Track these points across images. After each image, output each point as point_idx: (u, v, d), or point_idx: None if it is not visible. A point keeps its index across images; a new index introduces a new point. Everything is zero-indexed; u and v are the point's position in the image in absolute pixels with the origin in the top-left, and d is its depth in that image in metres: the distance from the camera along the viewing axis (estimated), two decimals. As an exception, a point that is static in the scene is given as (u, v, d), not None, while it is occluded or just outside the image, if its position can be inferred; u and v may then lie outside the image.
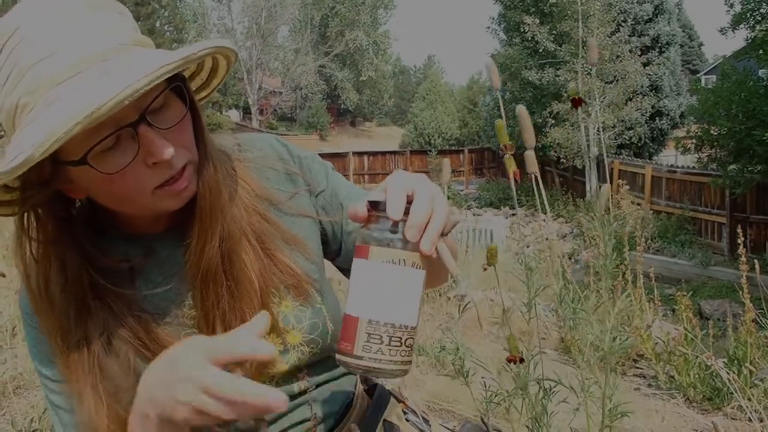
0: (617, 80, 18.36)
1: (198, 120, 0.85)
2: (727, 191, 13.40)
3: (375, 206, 0.72)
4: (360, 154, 27.40)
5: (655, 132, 20.55)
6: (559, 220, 18.31)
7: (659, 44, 20.65)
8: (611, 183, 16.82)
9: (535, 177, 1.16)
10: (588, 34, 17.79)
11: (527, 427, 1.35)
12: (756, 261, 3.88)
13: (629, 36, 19.02)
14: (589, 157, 18.74)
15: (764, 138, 11.02)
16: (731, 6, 13.34)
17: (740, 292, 3.47)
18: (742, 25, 13.12)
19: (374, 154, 27.79)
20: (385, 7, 44.41)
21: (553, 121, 18.50)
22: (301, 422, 0.95)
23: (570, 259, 11.12)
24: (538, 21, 19.04)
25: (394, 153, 28.62)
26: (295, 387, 0.95)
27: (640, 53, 19.09)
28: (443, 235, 0.73)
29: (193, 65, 0.87)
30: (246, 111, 40.40)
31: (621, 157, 19.02)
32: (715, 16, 19.07)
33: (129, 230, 0.90)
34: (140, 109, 0.75)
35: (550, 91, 18.99)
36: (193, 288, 0.87)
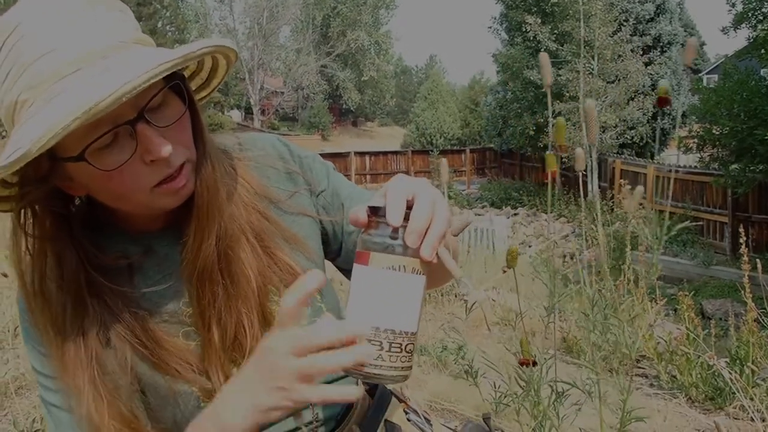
0: (619, 80, 18.34)
1: (197, 119, 0.85)
2: (729, 191, 13.38)
3: (375, 212, 0.71)
4: (362, 154, 27.38)
5: (656, 131, 20.52)
6: (561, 219, 18.29)
7: (661, 44, 20.63)
8: (613, 183, 16.83)
9: (586, 172, 1.14)
10: (590, 34, 17.78)
11: (532, 429, 1.35)
12: (758, 260, 3.87)
13: (631, 35, 19.00)
14: (591, 157, 18.72)
15: (766, 137, 11.01)
16: (733, 5, 13.33)
17: (742, 292, 3.46)
18: (743, 25, 13.10)
19: (376, 154, 27.76)
20: (386, 7, 44.42)
21: (554, 121, 18.49)
22: (304, 424, 0.95)
23: (572, 258, 11.10)
24: (539, 21, 19.03)
25: (395, 153, 28.58)
26: None
27: (641, 53, 19.08)
28: (452, 235, 0.73)
29: (193, 64, 0.87)
30: (248, 111, 40.42)
31: (623, 156, 19.00)
32: (716, 15, 19.10)
33: (127, 228, 0.90)
34: (138, 107, 0.75)
35: (552, 90, 18.96)
36: (189, 286, 0.87)
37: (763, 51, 12.32)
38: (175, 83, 0.79)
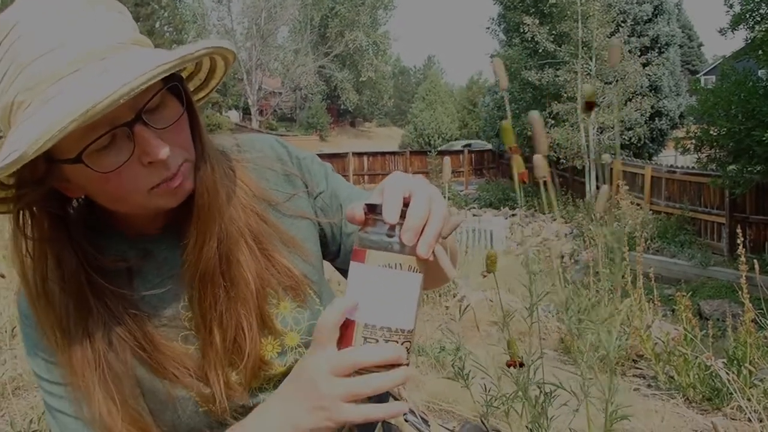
0: (617, 81, 18.37)
1: (195, 120, 0.84)
2: (727, 191, 13.39)
3: (372, 209, 0.71)
4: (360, 154, 27.39)
5: (654, 132, 20.56)
6: (559, 220, 18.30)
7: (659, 45, 20.67)
8: (611, 183, 16.86)
9: (544, 181, 1.15)
10: (588, 35, 17.81)
11: (527, 427, 1.35)
12: (755, 261, 3.88)
13: (629, 36, 19.05)
14: (589, 157, 18.74)
15: (763, 138, 11.02)
16: (731, 6, 13.34)
17: (740, 293, 3.47)
18: (741, 26, 13.11)
19: (374, 154, 27.78)
20: (384, 8, 44.44)
21: (552, 122, 18.50)
22: None
23: (570, 259, 11.11)
24: (537, 21, 19.05)
25: (393, 153, 28.60)
26: None
27: (639, 54, 19.11)
28: (442, 237, 0.73)
29: (191, 65, 0.87)
30: (246, 111, 40.43)
31: (621, 157, 19.03)
32: (714, 16, 19.12)
33: (126, 230, 0.89)
34: (136, 109, 0.74)
35: (550, 91, 18.99)
36: (190, 289, 0.87)
37: (760, 52, 12.33)
38: (173, 84, 0.79)
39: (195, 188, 0.83)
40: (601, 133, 18.68)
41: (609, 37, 18.06)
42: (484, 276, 1.15)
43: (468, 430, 1.14)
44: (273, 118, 42.36)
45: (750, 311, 3.40)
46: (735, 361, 3.27)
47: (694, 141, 14.15)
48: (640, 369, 3.96)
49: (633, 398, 3.26)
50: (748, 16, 12.83)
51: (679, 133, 18.17)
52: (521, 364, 1.25)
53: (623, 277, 4.00)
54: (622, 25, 18.84)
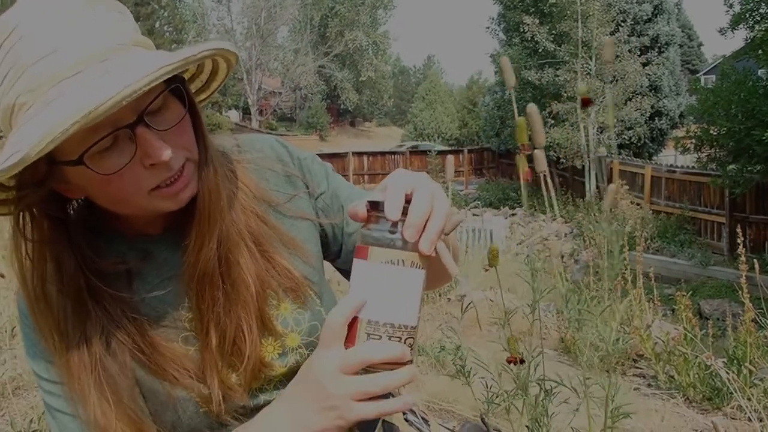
0: (617, 80, 18.37)
1: (198, 122, 0.84)
2: (727, 191, 13.40)
3: (375, 206, 0.71)
4: (360, 154, 27.40)
5: (654, 132, 20.56)
6: (559, 220, 18.30)
7: (658, 44, 20.65)
8: (611, 183, 16.85)
9: (544, 176, 1.16)
10: (587, 34, 17.80)
11: (527, 427, 1.35)
12: (755, 261, 3.88)
13: (628, 36, 19.04)
14: (589, 157, 18.74)
15: (763, 138, 11.02)
16: (730, 6, 13.34)
17: (740, 292, 3.47)
18: (741, 26, 13.12)
19: (374, 154, 27.79)
20: (384, 8, 44.44)
21: (552, 121, 18.51)
22: None
23: (570, 258, 11.11)
24: (537, 21, 19.05)
25: (393, 153, 28.60)
26: None
27: (639, 53, 19.11)
28: (444, 234, 0.73)
29: (193, 67, 0.87)
30: (245, 111, 40.43)
31: (621, 157, 19.02)
32: (714, 16, 19.10)
33: (126, 231, 0.89)
34: (138, 110, 0.74)
35: (550, 91, 19.00)
36: (189, 290, 0.87)
37: (760, 51, 12.34)
38: (176, 86, 0.79)
39: (197, 190, 0.82)
40: (601, 132, 18.67)
41: (609, 37, 18.06)
42: (486, 270, 1.15)
43: (468, 430, 1.14)
44: (273, 118, 42.36)
45: (750, 311, 3.40)
46: (735, 361, 3.27)
47: (694, 141, 14.16)
48: (640, 368, 3.96)
49: (633, 398, 3.26)
50: (747, 15, 12.83)
51: (679, 132, 18.16)
52: (521, 361, 1.26)
53: (623, 276, 4.00)
54: (622, 24, 18.83)
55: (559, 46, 18.83)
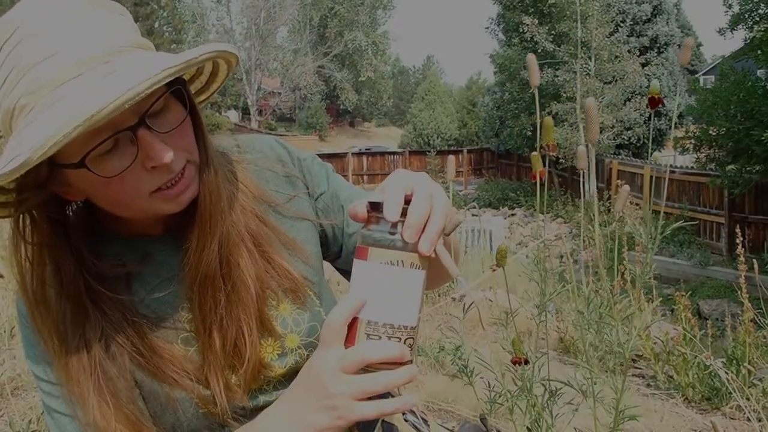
0: (616, 80, 18.37)
1: (198, 123, 0.84)
2: (726, 191, 13.40)
3: (375, 207, 0.72)
4: (359, 154, 27.40)
5: (653, 132, 20.57)
6: (558, 220, 18.31)
7: (657, 44, 20.68)
8: (610, 183, 16.87)
9: (584, 173, 1.15)
10: (587, 35, 17.80)
11: (528, 428, 1.35)
12: (754, 261, 3.88)
13: (628, 36, 19.04)
14: (588, 157, 18.73)
15: (762, 138, 11.02)
16: (730, 7, 13.36)
17: (739, 292, 3.48)
18: (740, 26, 13.13)
19: (373, 154, 27.80)
20: (384, 8, 44.45)
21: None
22: None
23: (569, 258, 11.12)
24: (537, 21, 19.05)
25: (393, 153, 28.61)
26: None
27: (638, 53, 19.12)
28: (444, 234, 0.73)
29: (193, 68, 0.87)
30: (245, 111, 40.41)
31: (620, 157, 19.03)
32: (713, 16, 19.13)
33: (126, 232, 0.89)
34: (139, 113, 0.74)
35: (549, 91, 18.99)
36: (190, 292, 0.86)
37: (759, 52, 12.34)
38: (177, 88, 0.78)
39: (198, 193, 0.82)
40: (600, 132, 18.66)
41: (608, 37, 18.06)
42: (494, 270, 1.15)
43: (467, 430, 1.14)
44: (272, 118, 42.35)
45: (749, 311, 3.40)
46: (734, 361, 3.28)
47: (693, 141, 14.16)
48: (640, 369, 3.96)
49: (633, 398, 3.26)
50: (746, 16, 12.84)
51: (678, 132, 18.16)
52: (526, 362, 1.26)
53: (622, 276, 4.00)
54: (621, 25, 18.83)
55: (559, 47, 18.83)
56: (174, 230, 0.87)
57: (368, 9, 42.50)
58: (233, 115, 39.09)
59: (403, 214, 0.70)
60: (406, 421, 1.07)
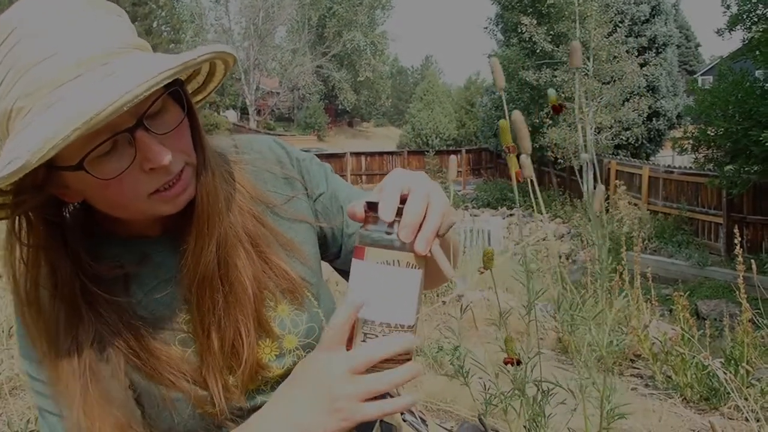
0: (614, 81, 18.38)
1: (196, 124, 0.84)
2: (724, 191, 13.41)
3: (372, 207, 0.72)
4: (357, 154, 27.40)
5: (652, 133, 20.59)
6: (557, 220, 18.32)
7: (656, 45, 20.68)
8: (608, 183, 16.88)
9: (531, 181, 1.17)
10: (585, 35, 17.81)
11: (525, 427, 1.35)
12: (753, 261, 3.89)
13: (626, 37, 19.04)
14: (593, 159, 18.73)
15: (761, 138, 11.03)
16: (728, 7, 13.35)
17: (737, 293, 3.48)
18: (738, 27, 13.13)
19: (372, 154, 27.79)
20: (382, 8, 44.43)
21: (550, 122, 18.52)
22: None
23: (567, 259, 11.13)
24: (535, 22, 19.05)
25: (391, 153, 28.60)
26: None
27: (637, 54, 19.12)
28: (439, 235, 0.73)
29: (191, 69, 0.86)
30: (243, 111, 40.38)
31: (618, 157, 19.04)
32: (712, 17, 19.12)
33: (124, 234, 0.89)
34: (137, 114, 0.74)
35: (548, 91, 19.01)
36: (188, 294, 0.86)
37: (757, 52, 12.35)
38: (174, 89, 0.78)
39: (195, 194, 0.82)
40: (598, 132, 18.68)
41: (607, 38, 18.07)
42: (481, 272, 1.15)
43: (466, 430, 1.14)
44: (271, 118, 42.32)
45: (747, 311, 3.41)
46: (732, 361, 3.28)
47: (691, 141, 14.17)
48: (638, 369, 3.97)
49: (630, 398, 3.26)
50: (745, 16, 12.84)
51: (677, 133, 18.16)
52: (518, 362, 1.26)
53: (620, 276, 4.01)
54: (620, 25, 18.83)
55: (557, 47, 18.83)
56: (172, 231, 0.87)
57: (367, 9, 42.48)
58: (232, 115, 39.06)
59: (399, 213, 0.70)
60: (404, 421, 1.07)
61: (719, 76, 13.46)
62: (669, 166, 17.53)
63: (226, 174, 0.91)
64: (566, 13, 18.09)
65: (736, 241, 3.77)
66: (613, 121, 18.29)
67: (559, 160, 19.11)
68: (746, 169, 12.20)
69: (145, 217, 0.84)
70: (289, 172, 0.99)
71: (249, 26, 38.24)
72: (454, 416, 2.99)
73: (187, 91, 0.83)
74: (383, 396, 0.99)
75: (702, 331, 3.73)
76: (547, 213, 18.82)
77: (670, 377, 3.56)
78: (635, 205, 15.58)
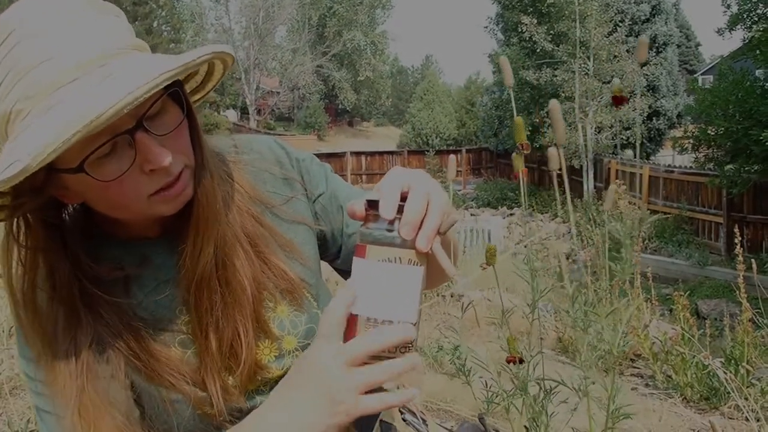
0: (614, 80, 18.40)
1: (194, 125, 0.83)
2: (724, 191, 13.41)
3: (372, 205, 0.72)
4: (358, 154, 27.42)
5: (652, 132, 20.60)
6: (557, 220, 18.33)
7: (656, 44, 20.69)
8: (608, 183, 16.87)
9: (558, 175, 1.16)
10: (585, 34, 17.81)
11: (525, 427, 1.35)
12: (753, 261, 3.89)
13: (626, 36, 19.05)
14: (587, 157, 18.75)
15: (761, 138, 11.03)
16: (728, 7, 13.36)
17: (737, 292, 3.48)
18: (739, 26, 13.13)
19: (372, 154, 27.81)
20: (382, 7, 44.41)
21: (550, 121, 18.54)
22: None
23: (567, 258, 11.13)
24: (535, 21, 19.06)
25: (391, 153, 28.62)
26: None
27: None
28: (440, 233, 0.73)
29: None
30: (243, 111, 40.37)
31: (618, 157, 19.04)
32: (712, 16, 19.13)
33: (124, 235, 0.88)
34: (137, 116, 0.73)
35: (548, 91, 19.01)
36: (187, 294, 0.86)
37: (758, 52, 12.35)
38: (174, 90, 0.78)
39: (194, 194, 0.82)
40: (598, 132, 18.69)
41: (607, 37, 18.08)
42: (484, 268, 1.15)
43: (466, 430, 1.14)
44: (271, 118, 42.32)
45: (747, 311, 3.41)
46: (732, 361, 3.28)
47: (691, 140, 14.17)
48: (638, 368, 3.97)
49: (631, 397, 3.26)
50: (745, 16, 12.85)
51: (677, 132, 18.16)
52: (521, 360, 1.26)
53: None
54: (620, 24, 18.84)
55: (557, 46, 18.84)
56: (171, 233, 0.87)
57: (367, 8, 42.46)
58: (232, 115, 39.05)
59: (400, 211, 0.70)
60: (404, 421, 1.07)
61: (719, 75, 13.46)
62: (669, 165, 17.52)
63: (224, 174, 0.91)
64: (566, 12, 18.11)
65: (736, 241, 3.77)
66: (613, 120, 18.30)
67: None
68: (746, 168, 12.20)
69: (145, 218, 0.84)
70: (288, 172, 0.99)
71: (249, 26, 38.23)
72: (455, 416, 2.99)
73: (186, 91, 0.83)
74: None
75: (702, 330, 3.73)
76: (547, 212, 18.84)
77: (670, 377, 3.56)
78: (635, 204, 15.57)
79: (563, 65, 18.70)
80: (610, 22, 18.42)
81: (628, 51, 18.61)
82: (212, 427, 0.88)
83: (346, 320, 0.72)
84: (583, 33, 18.00)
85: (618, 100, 1.15)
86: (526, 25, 18.91)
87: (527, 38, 19.47)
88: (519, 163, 1.17)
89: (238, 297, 0.87)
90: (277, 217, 0.95)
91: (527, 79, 19.46)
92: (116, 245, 0.88)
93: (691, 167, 15.82)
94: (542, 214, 19.03)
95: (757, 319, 3.68)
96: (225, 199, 0.87)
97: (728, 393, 3.07)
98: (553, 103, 1.09)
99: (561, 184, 1.15)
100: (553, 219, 18.34)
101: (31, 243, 0.81)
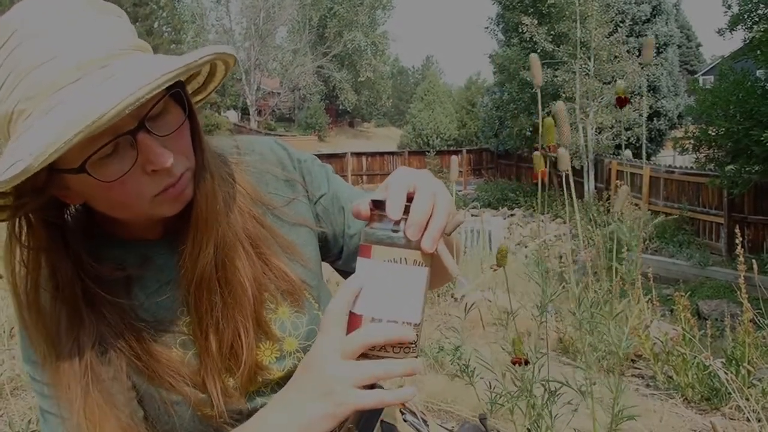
0: (615, 81, 18.37)
1: (195, 126, 0.84)
2: (725, 191, 13.41)
3: (378, 205, 0.72)
4: (358, 154, 27.43)
5: (653, 132, 20.59)
6: (557, 220, 18.31)
7: (657, 45, 20.68)
8: (609, 184, 16.88)
9: (566, 176, 1.16)
10: (586, 35, 17.81)
11: (528, 429, 1.35)
12: (754, 261, 3.89)
13: (627, 36, 19.04)
14: (587, 157, 18.75)
15: (762, 138, 11.03)
16: (729, 7, 13.35)
17: (738, 293, 3.48)
18: (739, 26, 13.13)
19: (372, 155, 27.82)
20: (383, 8, 44.43)
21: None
22: None
23: (566, 259, 11.12)
24: (536, 21, 19.05)
25: (392, 154, 28.63)
26: None
27: (637, 54, 19.12)
28: (445, 234, 0.73)
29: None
30: (244, 112, 40.38)
31: (619, 157, 19.03)
32: (713, 17, 19.16)
33: (125, 236, 0.88)
34: (139, 117, 0.73)
35: (548, 91, 19.00)
36: (187, 295, 0.86)
37: (759, 52, 12.35)
38: (176, 91, 0.78)
39: (194, 195, 0.82)
40: (599, 133, 18.68)
41: (607, 37, 18.07)
42: (494, 270, 1.15)
43: (467, 430, 1.14)
44: (271, 118, 42.31)
45: (748, 311, 3.40)
46: (733, 361, 3.28)
47: (692, 141, 14.16)
48: (639, 369, 3.96)
49: (632, 398, 3.26)
50: (746, 16, 12.84)
51: (678, 133, 18.16)
52: (526, 362, 1.26)
53: (622, 276, 4.00)
54: (621, 25, 18.83)
55: (558, 47, 18.83)
56: (172, 234, 0.87)
57: (367, 9, 42.47)
58: (232, 115, 39.06)
59: (406, 211, 0.70)
60: (405, 421, 1.07)
61: (720, 75, 13.46)
62: (670, 166, 17.51)
63: (226, 175, 0.90)
64: (567, 13, 18.10)
65: (737, 241, 3.76)
66: (613, 121, 18.29)
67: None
68: (747, 168, 12.20)
69: (146, 219, 0.84)
70: (290, 174, 0.99)
71: (250, 26, 38.25)
72: (455, 416, 2.99)
73: (188, 92, 0.83)
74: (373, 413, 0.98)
75: (703, 331, 3.73)
76: (548, 213, 18.82)
77: (671, 377, 3.56)
78: (636, 205, 15.56)
79: (564, 66, 18.69)
80: (611, 22, 18.41)
81: (628, 51, 18.60)
82: (212, 429, 0.88)
83: (350, 320, 0.72)
84: (583, 33, 17.99)
85: (621, 101, 1.15)
86: (527, 25, 18.90)
87: (528, 39, 19.46)
88: (540, 164, 1.17)
89: (239, 298, 0.87)
90: (278, 219, 0.95)
91: (528, 79, 19.44)
92: (118, 245, 0.88)
93: (691, 168, 15.82)
94: (543, 214, 19.02)
95: (758, 320, 3.67)
96: (226, 200, 0.87)
97: (729, 394, 3.07)
98: (559, 105, 1.09)
99: (562, 184, 1.15)
100: (553, 219, 18.33)
101: (33, 243, 0.81)
